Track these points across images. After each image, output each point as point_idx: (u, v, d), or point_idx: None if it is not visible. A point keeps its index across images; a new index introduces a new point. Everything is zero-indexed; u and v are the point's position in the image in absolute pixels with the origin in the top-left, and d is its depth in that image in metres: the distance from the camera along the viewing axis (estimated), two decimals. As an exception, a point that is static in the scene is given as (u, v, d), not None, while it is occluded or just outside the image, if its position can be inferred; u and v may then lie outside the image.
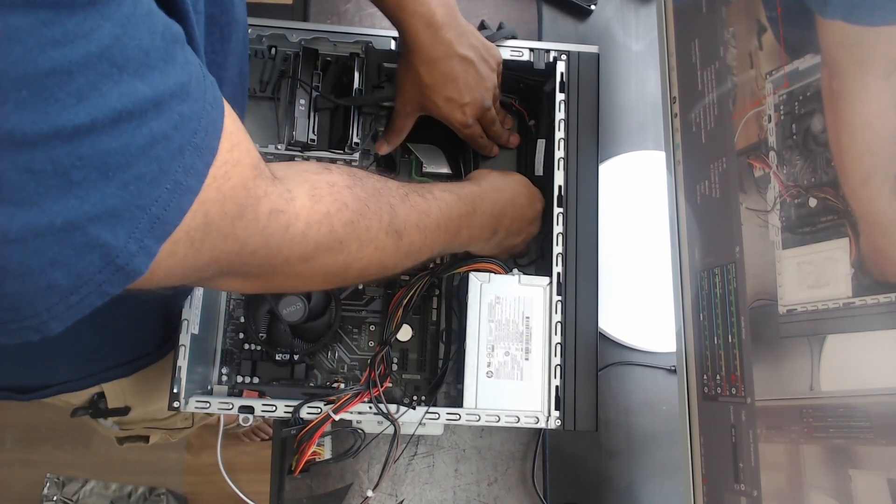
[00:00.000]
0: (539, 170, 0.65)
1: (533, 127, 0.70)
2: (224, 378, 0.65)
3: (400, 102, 0.64)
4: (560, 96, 0.64)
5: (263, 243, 0.39)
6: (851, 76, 0.40)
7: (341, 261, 0.45)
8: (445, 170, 0.70)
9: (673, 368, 0.73)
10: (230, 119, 0.34)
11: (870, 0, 0.39)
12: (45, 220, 0.26)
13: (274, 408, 0.56)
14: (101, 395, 0.83)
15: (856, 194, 0.39)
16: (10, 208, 0.25)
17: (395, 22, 0.60)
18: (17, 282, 0.27)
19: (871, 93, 0.39)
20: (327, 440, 0.67)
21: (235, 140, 0.34)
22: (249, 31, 0.63)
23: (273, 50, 0.65)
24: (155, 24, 0.28)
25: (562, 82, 0.64)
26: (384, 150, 0.68)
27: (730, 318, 0.51)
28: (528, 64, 0.66)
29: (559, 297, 0.59)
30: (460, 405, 0.57)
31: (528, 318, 0.59)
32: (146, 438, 1.00)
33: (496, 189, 0.61)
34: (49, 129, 0.25)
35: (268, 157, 0.64)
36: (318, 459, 0.65)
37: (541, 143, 0.65)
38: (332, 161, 0.64)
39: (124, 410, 0.84)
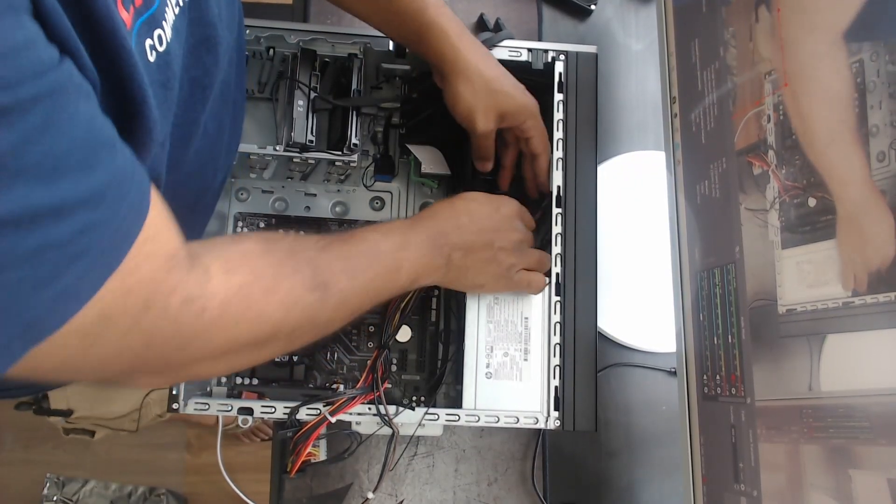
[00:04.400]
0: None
1: None
2: (223, 379, 0.65)
3: (478, 122, 0.60)
4: (558, 96, 0.64)
5: (175, 333, 0.37)
6: (804, 41, 0.43)
7: (267, 330, 0.43)
8: (445, 171, 0.69)
9: (673, 371, 0.73)
10: (154, 211, 0.33)
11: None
12: None
13: (273, 409, 0.56)
14: (45, 395, 0.85)
15: (823, 159, 0.41)
16: None
17: (432, 42, 0.58)
18: None
19: (821, 56, 0.41)
20: (322, 441, 0.67)
21: (153, 232, 0.33)
22: (248, 32, 0.63)
23: (271, 51, 0.65)
24: (75, 131, 0.27)
25: (560, 82, 0.64)
26: (488, 167, 0.66)
27: (730, 319, 0.51)
28: (526, 64, 0.66)
29: (558, 298, 0.59)
30: (460, 406, 0.57)
31: (526, 318, 0.59)
32: (92, 433, 1.05)
33: (441, 207, 0.57)
34: None
35: (266, 159, 0.64)
36: (313, 461, 0.65)
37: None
38: (331, 163, 0.64)
39: (67, 413, 0.86)
